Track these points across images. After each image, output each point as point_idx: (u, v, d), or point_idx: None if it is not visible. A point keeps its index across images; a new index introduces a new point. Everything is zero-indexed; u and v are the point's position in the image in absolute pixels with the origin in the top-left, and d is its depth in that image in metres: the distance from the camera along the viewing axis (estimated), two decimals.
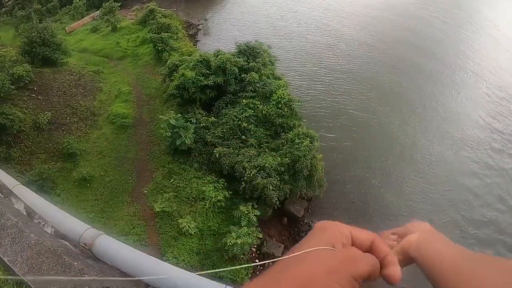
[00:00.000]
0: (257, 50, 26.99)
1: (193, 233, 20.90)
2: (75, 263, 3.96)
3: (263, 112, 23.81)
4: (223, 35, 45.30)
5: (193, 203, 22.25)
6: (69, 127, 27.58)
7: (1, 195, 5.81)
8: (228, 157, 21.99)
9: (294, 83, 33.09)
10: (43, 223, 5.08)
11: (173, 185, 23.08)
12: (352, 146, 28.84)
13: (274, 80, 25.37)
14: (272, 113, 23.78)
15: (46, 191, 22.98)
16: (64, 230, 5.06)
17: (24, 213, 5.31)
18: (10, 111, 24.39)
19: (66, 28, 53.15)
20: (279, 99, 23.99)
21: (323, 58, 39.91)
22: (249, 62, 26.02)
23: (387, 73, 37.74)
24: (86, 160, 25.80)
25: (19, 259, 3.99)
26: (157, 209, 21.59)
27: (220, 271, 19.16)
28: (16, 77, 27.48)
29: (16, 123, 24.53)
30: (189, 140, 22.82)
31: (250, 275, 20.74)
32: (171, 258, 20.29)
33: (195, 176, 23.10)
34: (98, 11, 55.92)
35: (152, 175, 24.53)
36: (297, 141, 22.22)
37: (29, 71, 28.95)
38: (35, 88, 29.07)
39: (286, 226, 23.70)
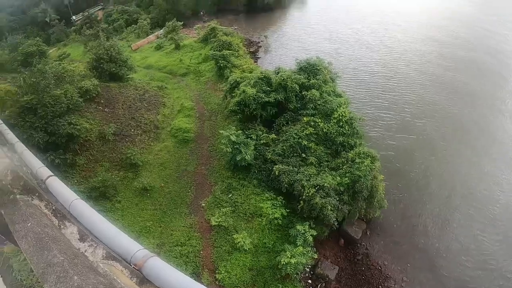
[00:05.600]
0: (318, 67, 26.73)
1: (247, 249, 20.84)
2: None
3: (324, 130, 23.47)
4: (283, 52, 45.76)
5: (250, 219, 22.30)
6: (133, 139, 28.78)
7: (56, 220, 6.12)
8: (288, 174, 21.84)
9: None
10: (95, 245, 5.25)
11: (231, 200, 23.30)
12: (412, 168, 27.54)
13: (335, 98, 24.97)
14: (333, 131, 23.38)
15: (108, 197, 24.28)
16: (116, 248, 5.22)
17: (77, 236, 5.49)
18: (77, 122, 25.61)
19: (132, 46, 56.68)
20: (340, 117, 23.58)
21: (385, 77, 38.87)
22: (309, 79, 25.90)
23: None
24: (147, 170, 26.73)
25: None
26: (214, 223, 21.89)
27: None
28: (84, 90, 29.04)
29: (82, 132, 25.81)
30: (249, 156, 23.03)
31: None
32: (223, 272, 20.30)
33: (254, 192, 23.19)
34: (161, 30, 59.12)
35: (211, 189, 24.91)
36: (357, 160, 21.62)
37: (97, 85, 30.58)
38: (102, 101, 30.61)
39: (343, 247, 22.93)
